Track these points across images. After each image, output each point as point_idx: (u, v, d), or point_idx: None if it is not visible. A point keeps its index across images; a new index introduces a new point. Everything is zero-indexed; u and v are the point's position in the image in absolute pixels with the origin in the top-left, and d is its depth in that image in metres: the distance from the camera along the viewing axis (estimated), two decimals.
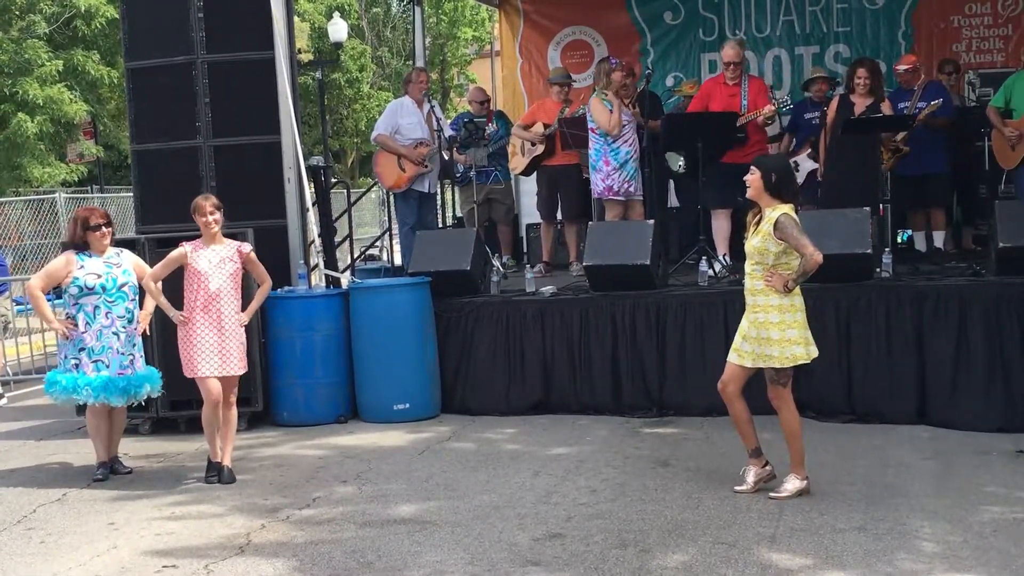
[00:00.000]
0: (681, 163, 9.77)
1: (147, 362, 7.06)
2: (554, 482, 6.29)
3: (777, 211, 5.67)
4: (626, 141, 9.35)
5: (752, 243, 5.77)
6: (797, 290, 5.73)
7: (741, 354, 5.84)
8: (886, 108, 8.95)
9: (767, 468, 5.96)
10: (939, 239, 9.83)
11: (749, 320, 5.82)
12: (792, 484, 5.79)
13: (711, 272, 8.46)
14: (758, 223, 5.79)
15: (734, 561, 4.86)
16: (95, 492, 6.59)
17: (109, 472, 6.87)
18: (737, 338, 5.92)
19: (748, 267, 5.85)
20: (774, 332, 5.69)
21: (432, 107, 10.30)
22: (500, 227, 11.24)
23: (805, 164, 10.04)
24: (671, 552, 5.02)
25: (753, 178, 5.79)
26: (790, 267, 5.68)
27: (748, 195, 5.89)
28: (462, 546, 5.22)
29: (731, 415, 6.00)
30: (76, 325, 6.68)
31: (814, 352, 5.80)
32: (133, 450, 7.54)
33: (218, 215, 6.67)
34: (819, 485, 5.92)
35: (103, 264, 6.76)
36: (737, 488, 5.91)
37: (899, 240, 10.12)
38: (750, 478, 5.93)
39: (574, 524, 5.49)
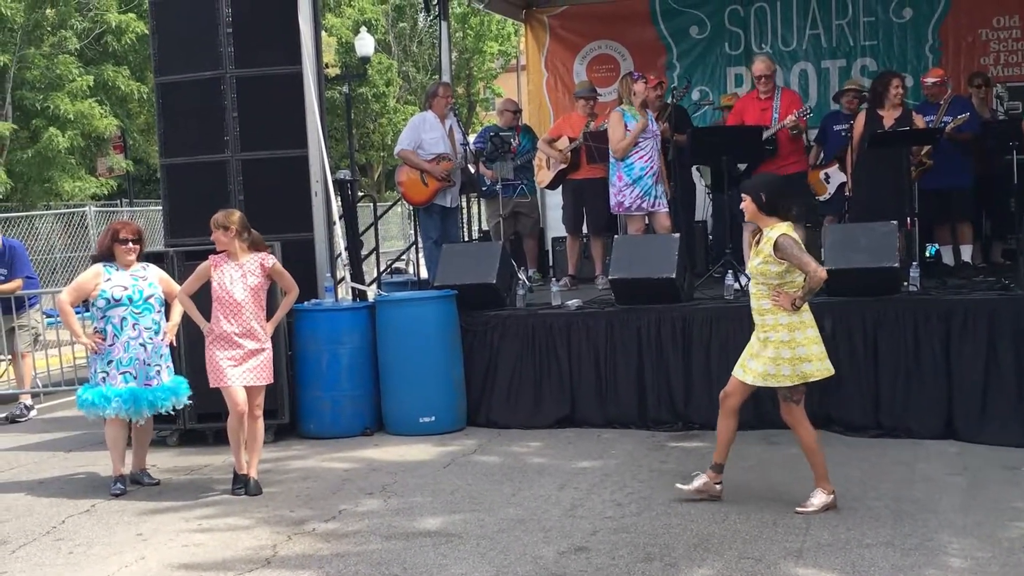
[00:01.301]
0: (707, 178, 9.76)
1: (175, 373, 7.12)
2: (579, 496, 6.29)
3: (775, 231, 5.65)
4: (641, 156, 9.28)
5: (754, 264, 5.76)
6: (805, 306, 5.72)
7: (747, 370, 5.83)
8: (919, 121, 8.90)
9: (718, 487, 5.98)
10: (966, 253, 9.77)
11: (759, 339, 5.80)
12: (818, 499, 5.76)
13: (737, 285, 8.44)
14: (758, 243, 5.78)
15: None
16: (123, 503, 6.64)
17: (127, 486, 6.90)
18: (745, 354, 5.91)
19: (753, 287, 5.84)
20: (784, 351, 5.67)
21: (455, 122, 10.33)
22: (526, 240, 11.25)
23: (836, 177, 10.01)
24: (697, 566, 5.00)
25: (745, 204, 5.80)
26: (795, 284, 5.67)
27: (746, 219, 5.91)
28: (487, 559, 5.23)
29: (719, 427, 6.00)
30: (104, 339, 6.76)
31: (828, 369, 5.77)
32: (160, 462, 7.59)
33: (219, 233, 6.68)
34: (846, 500, 5.89)
35: (129, 277, 6.85)
36: (679, 485, 6.00)
37: (927, 254, 10.06)
38: (696, 483, 5.99)
39: (599, 538, 5.48)
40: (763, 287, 5.73)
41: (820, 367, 5.71)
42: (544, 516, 5.90)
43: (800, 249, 5.59)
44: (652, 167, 9.25)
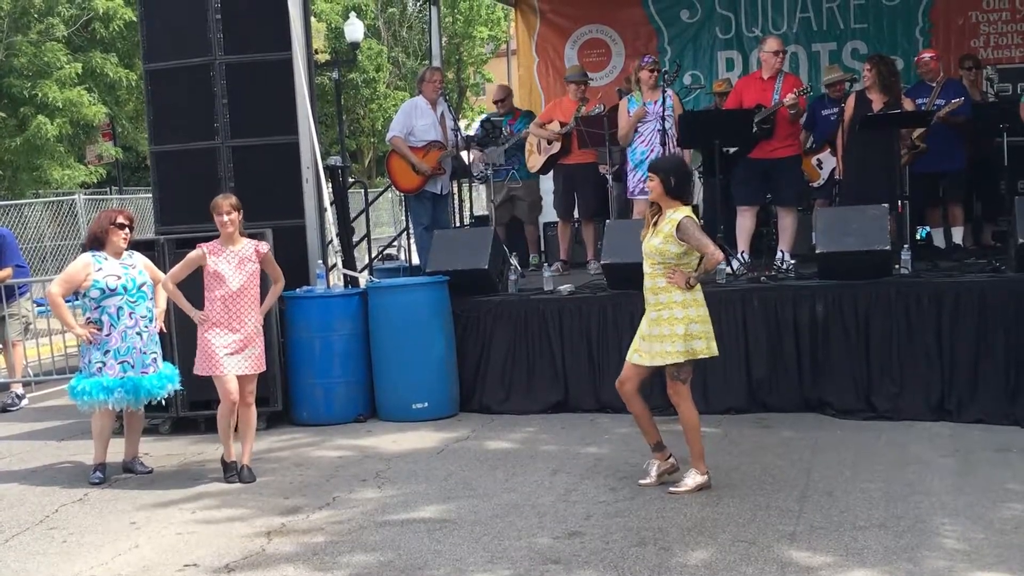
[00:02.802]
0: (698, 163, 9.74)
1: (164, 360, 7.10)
2: (573, 481, 6.29)
3: (679, 213, 5.80)
4: (642, 141, 9.33)
5: (653, 243, 5.87)
6: (698, 286, 5.88)
7: (642, 354, 5.93)
8: (908, 104, 8.88)
9: (670, 461, 6.08)
10: (958, 235, 9.78)
11: (650, 319, 5.91)
12: (693, 479, 5.90)
13: (729, 269, 8.44)
14: (656, 224, 5.89)
15: (754, 559, 4.85)
16: (116, 492, 6.63)
17: (106, 474, 6.87)
18: (636, 339, 6.02)
19: (647, 267, 5.94)
20: (678, 327, 5.79)
21: (446, 108, 10.27)
22: (526, 226, 11.20)
23: (828, 162, 10.01)
24: (691, 550, 5.02)
25: (653, 184, 5.91)
26: (690, 266, 5.84)
27: (649, 199, 6.03)
28: (482, 544, 5.23)
29: (632, 413, 6.17)
30: (100, 329, 6.72)
31: (715, 350, 5.92)
32: (153, 450, 7.58)
33: (235, 215, 6.68)
34: (839, 483, 5.92)
35: (119, 266, 6.81)
36: (641, 481, 6.04)
37: (918, 237, 10.08)
38: (653, 471, 6.06)
39: (593, 522, 5.49)
40: (659, 266, 5.86)
41: (708, 346, 5.87)
42: (538, 501, 5.90)
43: (700, 232, 5.79)
44: (653, 149, 9.25)
